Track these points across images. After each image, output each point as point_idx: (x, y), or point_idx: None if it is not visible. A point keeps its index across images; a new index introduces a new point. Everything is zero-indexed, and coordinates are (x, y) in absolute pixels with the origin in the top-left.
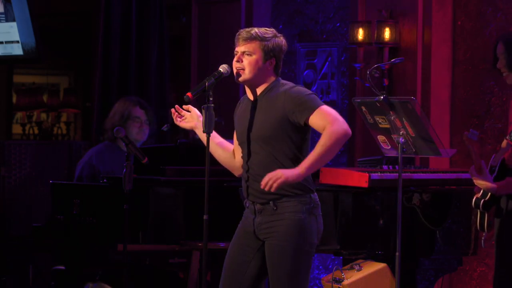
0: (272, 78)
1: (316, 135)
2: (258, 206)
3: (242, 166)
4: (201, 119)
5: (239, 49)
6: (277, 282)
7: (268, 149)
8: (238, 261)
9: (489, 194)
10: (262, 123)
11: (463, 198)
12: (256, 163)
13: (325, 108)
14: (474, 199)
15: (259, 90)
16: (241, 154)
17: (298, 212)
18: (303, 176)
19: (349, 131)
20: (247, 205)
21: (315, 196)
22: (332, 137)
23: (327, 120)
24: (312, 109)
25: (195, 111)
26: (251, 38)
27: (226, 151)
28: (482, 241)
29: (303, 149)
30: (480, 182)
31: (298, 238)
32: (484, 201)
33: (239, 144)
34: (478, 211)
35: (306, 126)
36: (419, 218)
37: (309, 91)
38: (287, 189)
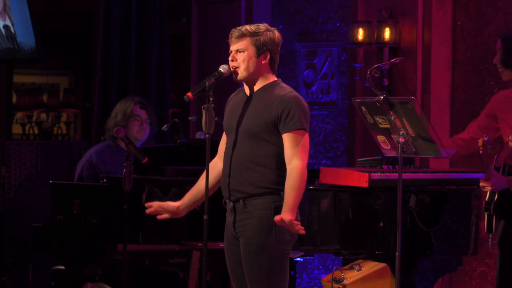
0: (271, 76)
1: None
2: (232, 205)
3: (225, 159)
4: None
5: (232, 47)
6: (250, 280)
7: (251, 145)
8: (233, 261)
9: (496, 195)
10: (251, 119)
11: (463, 198)
12: (238, 156)
13: (305, 138)
14: (484, 204)
15: (256, 87)
16: (226, 147)
17: (266, 210)
18: (293, 217)
19: (306, 171)
20: (225, 203)
21: None
22: (298, 178)
23: (297, 151)
24: (295, 128)
25: (166, 204)
26: (242, 35)
27: (215, 182)
28: (490, 243)
29: (282, 153)
30: (491, 184)
31: (266, 235)
32: (494, 203)
33: (226, 133)
34: (486, 213)
35: None
36: (416, 219)
37: (304, 104)
38: (258, 188)
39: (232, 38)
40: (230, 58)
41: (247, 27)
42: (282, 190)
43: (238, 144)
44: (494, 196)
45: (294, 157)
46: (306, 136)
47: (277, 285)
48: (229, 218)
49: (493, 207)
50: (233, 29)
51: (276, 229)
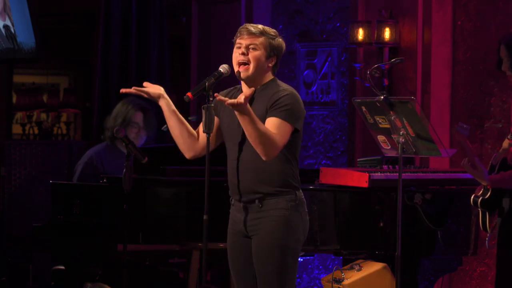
0: (270, 76)
1: (316, 134)
2: (245, 205)
3: (230, 161)
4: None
5: (244, 41)
6: (263, 279)
7: None
8: (237, 258)
9: (489, 192)
10: None
11: (463, 198)
12: (245, 160)
13: (287, 127)
14: (472, 197)
15: (255, 87)
16: (228, 148)
17: (283, 209)
18: (244, 108)
19: (272, 156)
20: (233, 202)
21: (300, 193)
22: (270, 140)
23: (276, 132)
24: (280, 116)
25: (155, 86)
26: (259, 33)
27: (189, 128)
28: (486, 241)
29: (292, 151)
30: (475, 174)
31: (282, 234)
32: (482, 199)
33: (225, 136)
34: (480, 211)
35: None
36: (420, 218)
37: (296, 100)
38: (273, 187)
39: (245, 33)
40: (240, 52)
41: (264, 27)
42: (297, 188)
43: (245, 145)
44: (487, 192)
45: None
46: (288, 126)
47: (288, 285)
48: (238, 216)
49: (481, 202)
50: (248, 24)
51: (292, 228)
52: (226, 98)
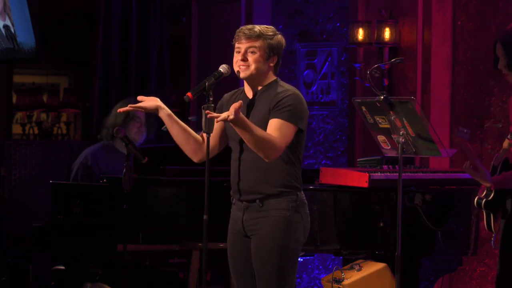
0: (272, 77)
1: (316, 134)
2: (245, 204)
3: (233, 161)
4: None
5: (243, 45)
6: (262, 279)
7: None
8: (237, 257)
9: (492, 194)
10: (256, 121)
11: (463, 198)
12: (248, 160)
13: (290, 127)
14: (476, 199)
15: (257, 88)
16: (232, 148)
17: (284, 209)
18: (236, 121)
19: (273, 158)
20: (234, 201)
21: (301, 194)
22: (270, 143)
23: (278, 134)
24: (282, 117)
25: (150, 98)
26: (256, 36)
27: (193, 134)
28: (492, 241)
29: (295, 151)
30: (477, 176)
31: (283, 235)
32: (486, 200)
33: (229, 136)
34: (484, 211)
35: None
36: (420, 218)
37: (299, 100)
38: (275, 187)
39: (242, 36)
40: (240, 58)
41: (259, 28)
42: (299, 189)
43: (247, 146)
44: (491, 194)
45: (274, 135)
46: (291, 126)
47: (287, 285)
48: (239, 214)
49: (485, 203)
50: (244, 27)
51: (292, 229)
52: (218, 114)
